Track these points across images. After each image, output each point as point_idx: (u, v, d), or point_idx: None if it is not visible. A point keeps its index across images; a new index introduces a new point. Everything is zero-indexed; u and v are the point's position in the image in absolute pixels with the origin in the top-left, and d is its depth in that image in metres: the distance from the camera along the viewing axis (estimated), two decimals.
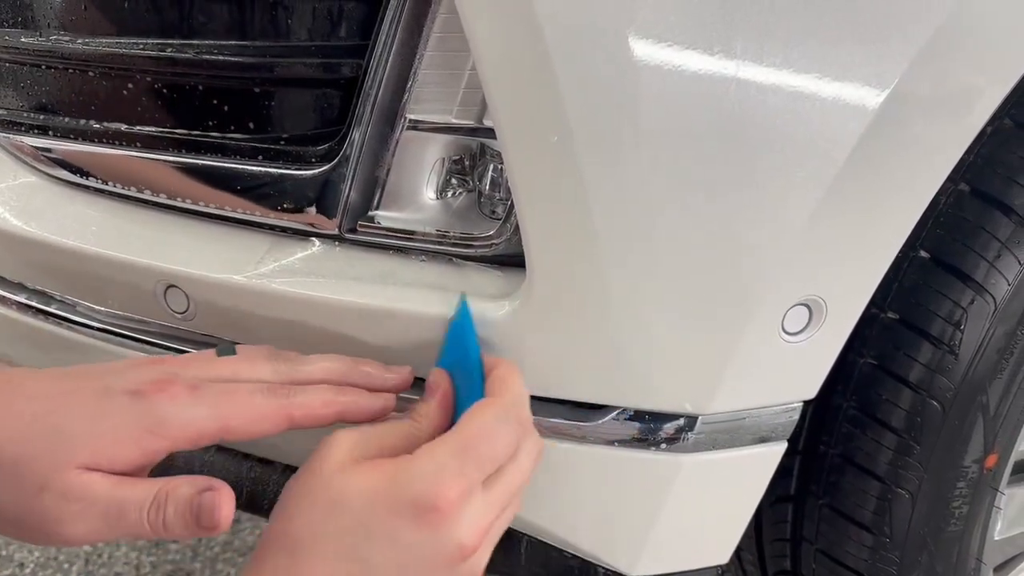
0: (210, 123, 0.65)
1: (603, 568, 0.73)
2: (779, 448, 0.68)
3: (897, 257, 0.65)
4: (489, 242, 0.62)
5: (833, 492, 0.77)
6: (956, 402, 0.70)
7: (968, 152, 0.66)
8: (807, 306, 0.61)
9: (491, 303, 0.61)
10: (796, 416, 0.67)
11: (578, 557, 0.73)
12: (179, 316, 0.68)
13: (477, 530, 0.51)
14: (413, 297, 0.62)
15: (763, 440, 0.67)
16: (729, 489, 0.68)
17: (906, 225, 0.61)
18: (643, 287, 0.58)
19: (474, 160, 0.64)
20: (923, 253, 0.71)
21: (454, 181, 0.64)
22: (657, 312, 0.59)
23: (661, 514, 0.67)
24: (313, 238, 0.65)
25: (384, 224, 0.63)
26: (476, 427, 0.52)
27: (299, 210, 0.64)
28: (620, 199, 0.56)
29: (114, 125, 0.68)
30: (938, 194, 0.66)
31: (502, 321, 0.60)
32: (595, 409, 0.65)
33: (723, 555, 0.74)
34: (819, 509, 0.79)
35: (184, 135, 0.66)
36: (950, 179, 0.69)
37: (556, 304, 0.60)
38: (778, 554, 0.87)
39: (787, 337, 0.61)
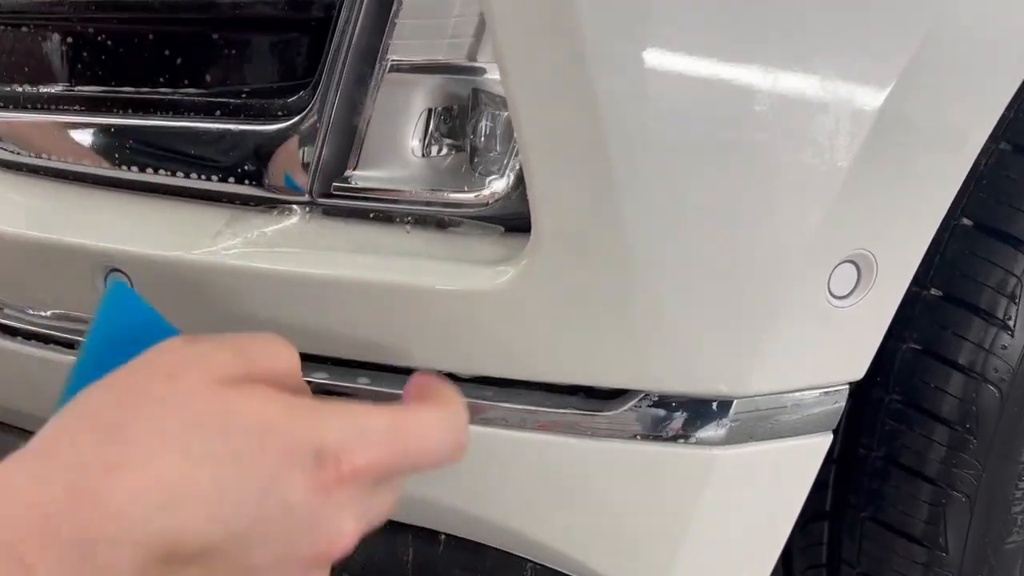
0: (160, 79, 0.57)
1: None
2: (824, 441, 0.59)
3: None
4: (486, 201, 0.53)
5: (877, 502, 0.68)
6: (1015, 385, 0.62)
7: (1009, 108, 0.60)
8: (855, 263, 0.53)
9: (488, 269, 0.52)
10: (843, 402, 0.58)
11: None
12: None
13: (358, 526, 0.40)
14: (397, 267, 0.53)
15: (807, 431, 0.58)
16: (769, 491, 0.59)
17: (958, 169, 0.54)
18: (669, 243, 0.50)
19: (465, 113, 0.56)
20: (965, 220, 0.64)
21: (442, 138, 0.56)
22: (685, 273, 0.51)
23: (691, 523, 0.58)
24: (280, 205, 0.57)
25: (362, 185, 0.55)
26: (417, 420, 0.42)
27: (262, 172, 0.56)
28: (644, 141, 0.48)
29: (45, 87, 0.59)
30: (979, 155, 0.60)
31: (502, 291, 0.52)
32: (611, 397, 0.56)
33: None
34: (861, 524, 0.70)
35: (130, 94, 0.58)
36: (991, 138, 0.63)
37: (566, 268, 0.51)
38: None
39: (835, 301, 0.53)
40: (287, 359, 0.42)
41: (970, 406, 0.63)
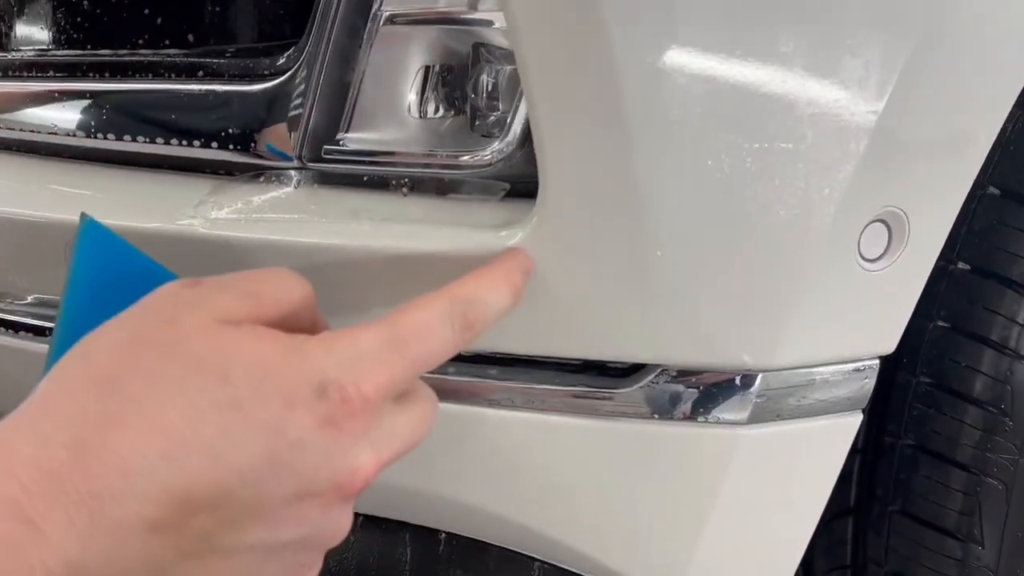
0: (140, 40, 0.53)
1: None
2: (854, 421, 0.55)
3: None
4: (488, 161, 0.50)
5: (906, 494, 0.64)
6: None
7: None
8: (886, 223, 0.49)
9: (492, 233, 0.48)
10: (873, 379, 0.54)
11: None
12: None
13: (380, 456, 0.38)
14: (393, 233, 0.49)
15: (836, 410, 0.54)
16: (796, 475, 0.54)
17: (991, 123, 0.50)
18: (688, 203, 0.46)
19: (465, 71, 0.53)
20: (993, 189, 0.60)
21: (441, 97, 0.53)
22: (706, 233, 0.47)
23: (712, 512, 0.53)
24: (267, 172, 0.53)
25: (355, 148, 0.51)
26: (413, 321, 0.39)
27: (248, 137, 0.52)
28: (662, 93, 0.44)
29: (14, 53, 0.55)
30: (1004, 122, 0.57)
31: None
32: (626, 374, 0.52)
33: (783, 574, 0.59)
34: (889, 519, 0.65)
35: (107, 57, 0.54)
36: (1017, 103, 0.60)
37: (577, 231, 0.47)
38: None
39: (865, 264, 0.49)
40: (299, 294, 0.39)
41: (1004, 385, 0.59)
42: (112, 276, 0.41)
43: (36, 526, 0.32)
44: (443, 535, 0.60)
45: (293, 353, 0.36)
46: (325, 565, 0.62)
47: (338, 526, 0.39)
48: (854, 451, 0.67)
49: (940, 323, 0.61)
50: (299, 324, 0.39)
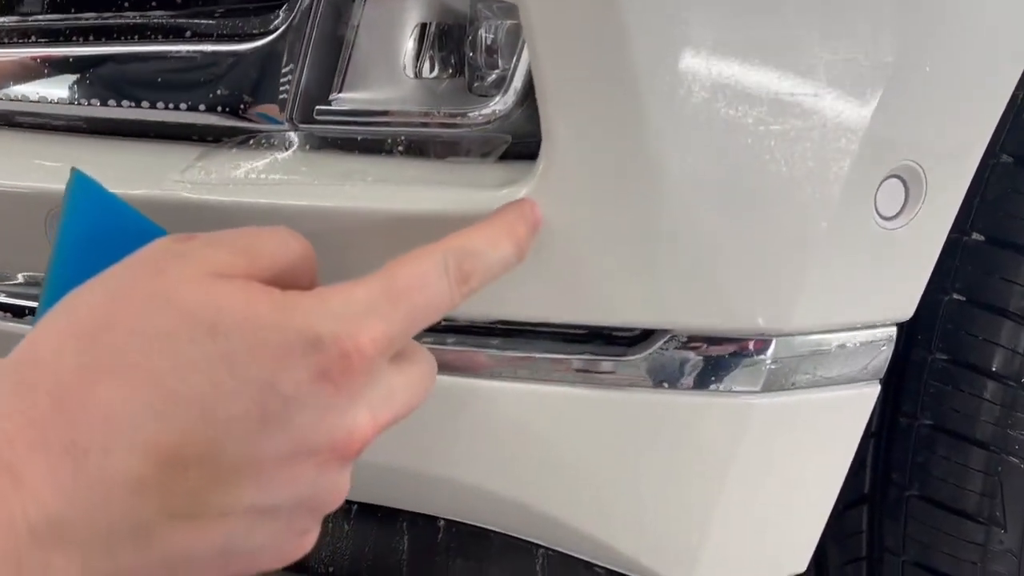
0: (126, 2, 0.52)
1: None
2: (872, 392, 0.52)
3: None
4: (488, 119, 0.48)
5: (924, 477, 0.61)
6: None
7: None
8: (902, 179, 0.48)
9: (493, 193, 0.46)
10: (890, 348, 0.52)
11: (613, 572, 0.55)
12: None
13: (377, 417, 0.36)
14: (387, 195, 0.47)
15: (853, 379, 0.51)
16: (813, 449, 0.52)
17: (1008, 75, 0.49)
18: (698, 156, 0.44)
19: (463, 29, 0.51)
20: (1006, 157, 0.59)
21: (438, 58, 0.51)
22: (716, 188, 0.45)
23: (725, 489, 0.51)
24: (256, 136, 0.51)
25: (348, 108, 0.49)
26: (408, 273, 0.37)
27: (236, 99, 0.50)
28: (672, 41, 0.42)
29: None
30: (1016, 89, 0.55)
31: None
32: (633, 343, 0.50)
33: (800, 559, 0.57)
34: (906, 504, 0.63)
35: (92, 21, 0.52)
36: None
37: (582, 187, 0.45)
38: None
39: (882, 223, 0.47)
40: (297, 253, 0.37)
41: (1023, 358, 0.57)
42: (102, 232, 0.40)
43: (18, 476, 0.31)
44: (442, 523, 0.57)
45: (286, 307, 0.34)
46: (318, 557, 0.60)
47: (335, 489, 0.37)
48: (868, 435, 0.65)
49: (955, 296, 0.59)
50: (296, 284, 0.37)
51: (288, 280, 0.36)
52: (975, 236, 0.59)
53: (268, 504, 0.35)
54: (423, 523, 0.57)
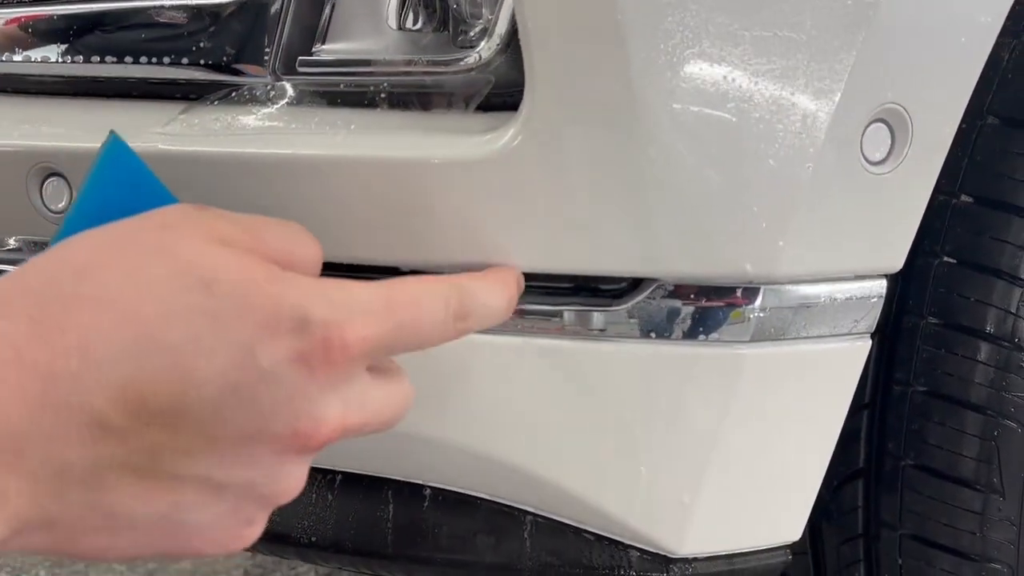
0: None
1: (637, 550, 0.53)
2: (864, 347, 0.52)
3: (961, 127, 0.53)
4: (470, 66, 0.47)
5: (919, 445, 0.60)
6: None
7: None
8: (887, 123, 0.47)
9: (475, 138, 0.46)
10: (880, 301, 0.51)
11: (602, 537, 0.54)
12: (57, 215, 0.52)
13: (346, 416, 0.35)
14: (369, 142, 0.47)
15: (844, 332, 0.50)
16: (804, 405, 0.51)
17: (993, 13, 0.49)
18: (683, 97, 0.44)
19: None
20: (992, 119, 0.58)
21: (421, 9, 0.51)
22: (701, 132, 0.44)
23: (716, 446, 0.50)
24: (239, 90, 0.50)
25: (331, 58, 0.49)
26: (411, 290, 0.37)
27: (218, 52, 0.50)
28: None
29: None
30: (998, 49, 0.55)
31: (490, 162, 0.45)
32: (619, 294, 0.49)
33: (795, 525, 0.55)
34: (902, 475, 0.62)
35: None
36: (1012, 32, 0.59)
37: (566, 131, 0.45)
38: (848, 560, 0.68)
39: (869, 167, 0.47)
40: (303, 247, 0.38)
41: (1016, 317, 0.56)
42: (125, 197, 0.40)
43: None
44: (428, 491, 0.56)
45: (284, 282, 0.34)
46: (300, 527, 0.58)
47: (289, 482, 0.36)
48: (862, 406, 0.64)
49: (946, 259, 0.58)
50: None
51: (289, 270, 0.36)
52: (964, 198, 0.58)
53: (220, 480, 0.34)
54: (408, 492, 0.56)
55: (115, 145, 0.41)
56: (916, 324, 0.60)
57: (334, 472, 0.58)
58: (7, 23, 0.54)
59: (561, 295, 0.50)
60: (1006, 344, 0.57)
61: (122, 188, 0.40)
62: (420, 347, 0.38)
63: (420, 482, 0.56)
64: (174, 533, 0.35)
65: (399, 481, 0.56)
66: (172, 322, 0.32)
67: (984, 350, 0.57)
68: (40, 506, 0.32)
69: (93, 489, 0.32)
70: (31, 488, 0.31)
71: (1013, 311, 0.57)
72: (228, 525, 0.36)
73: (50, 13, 0.53)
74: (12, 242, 0.57)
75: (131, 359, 0.32)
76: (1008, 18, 0.52)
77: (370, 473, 0.56)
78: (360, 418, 0.36)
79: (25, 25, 0.54)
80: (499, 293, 0.42)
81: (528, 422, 0.50)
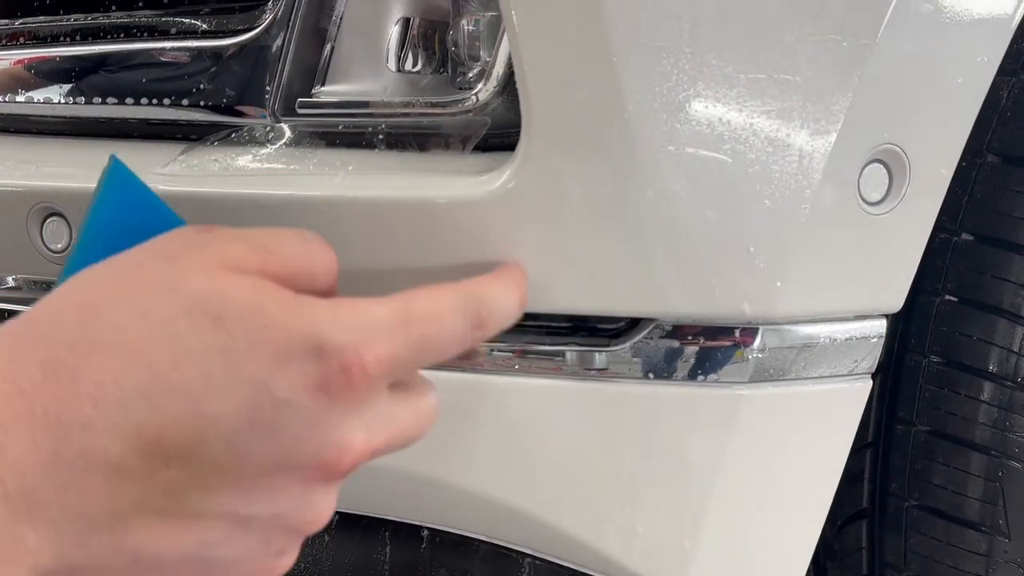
0: (110, 2, 0.52)
1: None
2: (864, 387, 0.51)
3: (961, 166, 0.53)
4: (468, 108, 0.48)
5: (924, 486, 0.59)
6: None
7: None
8: (884, 164, 0.47)
9: (473, 178, 0.46)
10: (881, 341, 0.51)
11: None
12: (58, 255, 0.52)
13: (372, 439, 0.34)
14: (367, 183, 0.47)
15: (844, 373, 0.50)
16: (805, 446, 0.50)
17: (990, 53, 0.49)
18: (681, 138, 0.44)
19: (446, 27, 0.51)
20: (992, 157, 0.58)
21: (420, 52, 0.51)
22: (699, 173, 0.44)
23: (716, 488, 0.49)
24: (239, 131, 0.51)
25: (330, 100, 0.49)
26: (425, 303, 0.36)
27: (221, 93, 0.50)
28: (649, 20, 0.42)
29: None
30: (997, 87, 0.55)
31: (487, 203, 0.45)
32: (616, 334, 0.49)
33: (797, 568, 0.54)
34: (906, 515, 0.61)
35: (79, 22, 0.53)
36: (1010, 72, 0.59)
37: (563, 170, 0.45)
38: None
39: (867, 208, 0.47)
40: (316, 257, 0.37)
41: (1019, 356, 0.56)
42: (130, 221, 0.40)
43: (0, 444, 0.30)
44: (425, 532, 0.56)
45: (295, 309, 0.33)
46: (296, 569, 0.58)
47: (318, 511, 0.35)
48: (865, 445, 0.63)
49: (948, 297, 0.58)
50: (313, 289, 0.36)
51: (304, 283, 0.36)
52: (964, 236, 0.58)
53: (246, 514, 0.33)
54: (406, 532, 0.56)
55: (117, 169, 0.40)
56: (918, 363, 0.60)
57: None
58: (10, 62, 0.54)
59: (558, 335, 0.50)
60: (1009, 384, 0.56)
61: (128, 212, 0.40)
62: (439, 359, 0.37)
63: (418, 523, 0.56)
64: (205, 570, 0.34)
65: (397, 522, 0.56)
66: (183, 362, 0.32)
67: (987, 389, 0.57)
68: (63, 555, 0.31)
69: (116, 533, 0.32)
70: (52, 538, 0.31)
71: (1016, 350, 0.56)
72: (259, 557, 0.35)
73: (53, 55, 0.53)
74: (11, 281, 0.57)
75: (144, 402, 0.31)
76: (1006, 56, 0.53)
77: (368, 514, 0.56)
78: (386, 437, 0.35)
79: (28, 66, 0.54)
80: (512, 294, 0.40)
81: (526, 463, 0.50)
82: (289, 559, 0.36)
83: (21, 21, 0.54)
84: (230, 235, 0.36)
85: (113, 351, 0.32)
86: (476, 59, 0.50)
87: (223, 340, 0.32)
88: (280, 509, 0.34)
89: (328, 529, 0.59)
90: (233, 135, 0.50)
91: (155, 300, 0.33)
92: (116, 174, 0.40)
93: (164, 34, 0.51)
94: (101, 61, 0.52)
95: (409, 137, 0.49)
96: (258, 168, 0.48)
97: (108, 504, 0.31)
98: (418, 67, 0.50)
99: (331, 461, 0.33)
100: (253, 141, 0.50)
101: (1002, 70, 0.54)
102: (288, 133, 0.50)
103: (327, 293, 0.37)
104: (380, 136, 0.49)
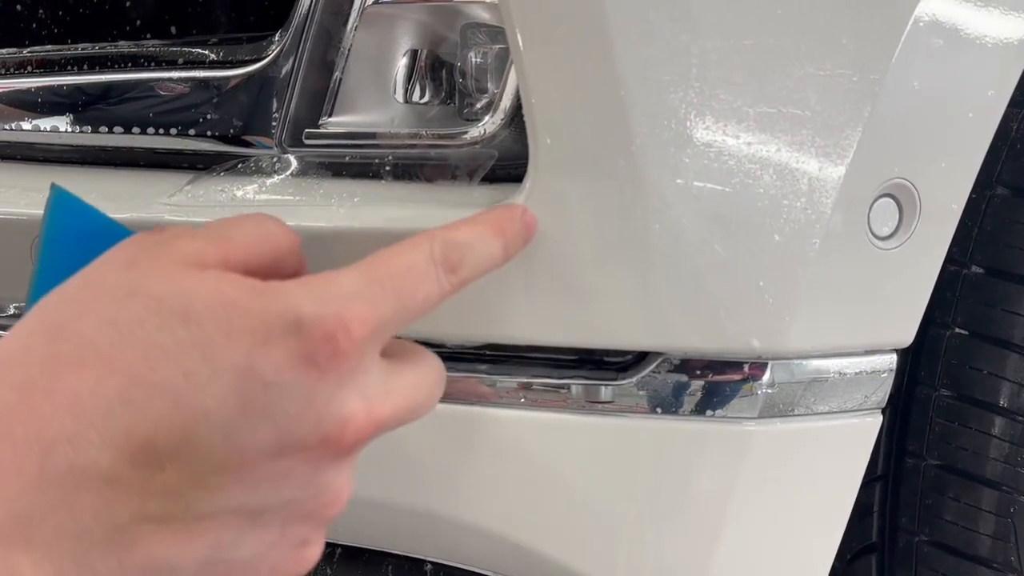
0: (117, 32, 0.52)
1: None
2: (874, 423, 0.50)
3: (971, 198, 0.53)
4: (475, 139, 0.47)
5: (933, 521, 0.59)
6: None
7: None
8: (895, 198, 0.47)
9: (478, 211, 0.46)
10: (891, 376, 0.50)
11: None
12: None
13: (372, 407, 0.33)
14: (376, 214, 0.47)
15: (854, 408, 0.49)
16: (814, 484, 0.50)
17: (1001, 90, 0.48)
18: (689, 172, 0.44)
19: (454, 56, 0.51)
20: (1002, 190, 0.58)
21: (428, 84, 0.51)
22: (709, 206, 0.44)
23: (724, 524, 0.48)
24: (246, 161, 0.50)
25: (337, 131, 0.49)
26: (393, 259, 0.35)
27: (228, 123, 0.50)
28: (657, 54, 0.42)
29: None
30: (1006, 120, 0.55)
31: None
32: (625, 368, 0.48)
33: None
34: (917, 551, 0.60)
35: (86, 51, 0.53)
36: (1019, 104, 0.59)
37: (570, 204, 0.44)
38: None
39: (877, 242, 0.47)
40: (278, 241, 0.36)
41: None
42: (82, 242, 0.39)
43: None
44: (428, 566, 0.55)
45: (265, 293, 0.32)
46: None
47: (334, 491, 0.34)
48: (874, 479, 0.63)
49: (958, 330, 0.58)
50: (279, 275, 0.34)
51: (270, 270, 0.35)
52: (975, 269, 0.58)
53: (256, 506, 0.32)
54: (409, 566, 0.55)
55: (60, 196, 0.40)
56: (929, 396, 0.59)
57: (334, 545, 0.57)
58: (18, 91, 0.55)
59: (565, 367, 0.49)
60: (1020, 418, 0.56)
61: (77, 236, 0.39)
62: (424, 311, 0.36)
63: (421, 556, 0.55)
64: (225, 574, 0.33)
65: (400, 555, 0.55)
66: (159, 361, 0.31)
67: (998, 424, 0.56)
68: None
69: (120, 549, 0.31)
70: (49, 562, 0.30)
71: None
72: (281, 551, 0.34)
73: (61, 83, 0.53)
74: (12, 309, 0.57)
75: (126, 406, 0.30)
76: (1017, 89, 0.53)
77: (370, 547, 0.55)
78: (389, 408, 0.34)
79: (35, 94, 0.54)
80: (489, 238, 0.39)
81: (530, 497, 0.49)
82: (315, 549, 0.35)
83: (29, 49, 0.54)
84: (185, 232, 0.35)
85: (86, 362, 0.31)
86: (483, 91, 0.50)
87: (195, 335, 0.31)
88: (291, 495, 0.33)
89: (331, 562, 0.58)
90: (240, 165, 0.50)
91: (120, 307, 0.32)
92: (59, 200, 0.40)
93: (172, 64, 0.51)
94: (108, 90, 0.52)
95: (416, 168, 0.49)
96: (265, 199, 0.48)
97: (105, 519, 0.30)
98: (425, 99, 0.50)
99: (333, 435, 0.32)
100: (260, 171, 0.50)
101: (1012, 102, 0.53)
102: (295, 164, 0.50)
103: (296, 274, 0.36)
104: (387, 167, 0.49)
